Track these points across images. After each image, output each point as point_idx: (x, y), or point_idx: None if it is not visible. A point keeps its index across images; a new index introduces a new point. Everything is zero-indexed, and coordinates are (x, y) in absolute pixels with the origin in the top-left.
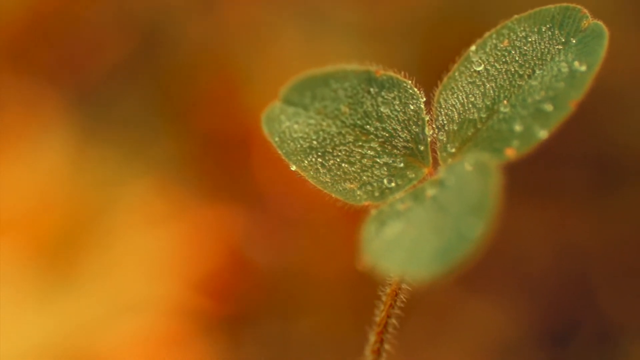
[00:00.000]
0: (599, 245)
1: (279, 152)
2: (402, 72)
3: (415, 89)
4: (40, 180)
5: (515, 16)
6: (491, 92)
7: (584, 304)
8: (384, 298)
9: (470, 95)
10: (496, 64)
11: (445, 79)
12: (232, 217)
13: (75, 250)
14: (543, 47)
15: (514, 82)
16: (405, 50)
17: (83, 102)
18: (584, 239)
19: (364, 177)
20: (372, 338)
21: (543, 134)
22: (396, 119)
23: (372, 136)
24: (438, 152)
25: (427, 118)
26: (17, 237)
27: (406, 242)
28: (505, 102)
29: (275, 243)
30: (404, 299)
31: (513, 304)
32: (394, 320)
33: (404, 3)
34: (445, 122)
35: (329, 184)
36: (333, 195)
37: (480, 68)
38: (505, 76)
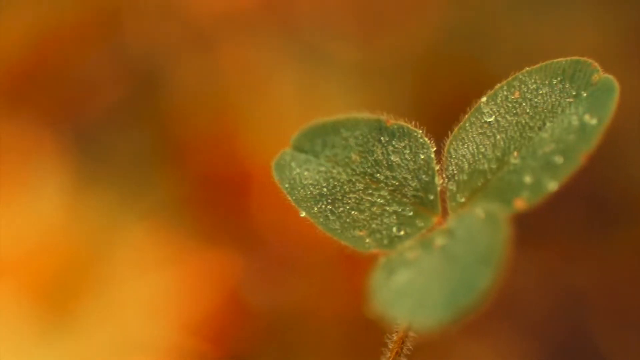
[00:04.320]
0: (597, 287)
1: (290, 198)
2: (413, 122)
3: (426, 139)
4: (38, 224)
5: (527, 68)
6: (502, 143)
7: (581, 346)
8: (390, 345)
9: (480, 146)
10: (507, 116)
11: (455, 130)
12: (230, 260)
13: (73, 294)
14: (554, 99)
15: (524, 134)
16: (402, 90)
17: (80, 145)
18: (581, 281)
19: (374, 225)
20: None
21: (553, 185)
22: (406, 167)
23: (382, 184)
24: (447, 202)
25: (437, 167)
26: (15, 281)
27: (415, 290)
28: (515, 153)
29: (274, 286)
30: (411, 347)
31: (510, 347)
32: None
33: (400, 43)
34: (455, 172)
35: (339, 231)
36: (342, 243)
37: (491, 119)
38: (515, 128)
